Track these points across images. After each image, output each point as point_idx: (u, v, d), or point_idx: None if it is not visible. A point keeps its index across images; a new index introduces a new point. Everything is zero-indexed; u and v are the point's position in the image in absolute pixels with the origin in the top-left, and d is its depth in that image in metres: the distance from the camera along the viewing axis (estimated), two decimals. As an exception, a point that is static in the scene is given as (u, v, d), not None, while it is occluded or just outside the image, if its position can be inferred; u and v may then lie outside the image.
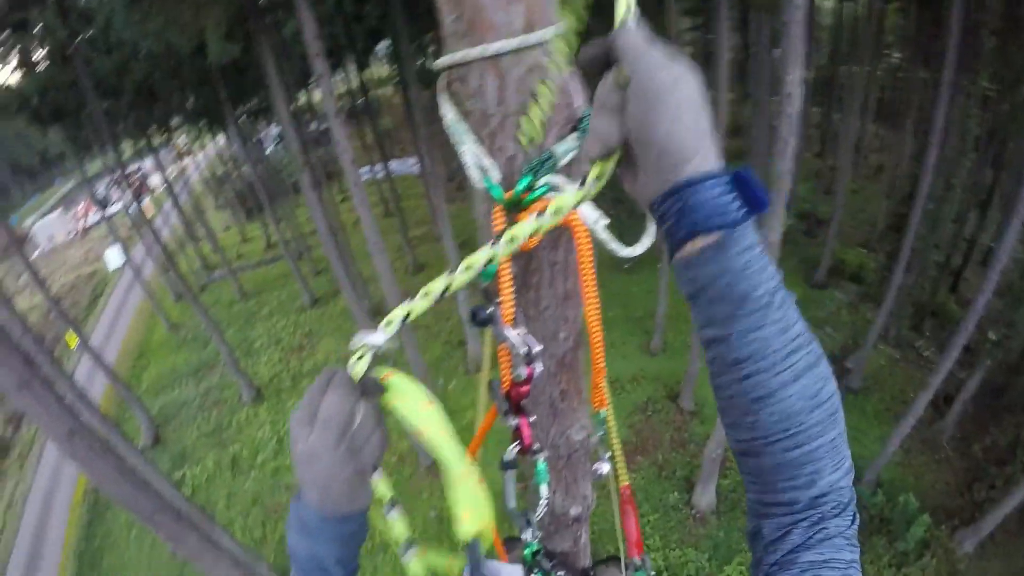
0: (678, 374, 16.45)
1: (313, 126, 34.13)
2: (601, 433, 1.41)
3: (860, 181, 25.07)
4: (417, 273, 24.93)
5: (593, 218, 1.00)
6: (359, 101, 32.06)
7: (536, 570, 1.27)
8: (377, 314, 21.17)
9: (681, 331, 17.65)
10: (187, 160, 46.55)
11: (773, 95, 17.55)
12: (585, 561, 1.71)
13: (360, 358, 0.83)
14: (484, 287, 1.04)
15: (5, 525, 20.55)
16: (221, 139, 33.94)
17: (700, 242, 0.67)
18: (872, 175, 26.91)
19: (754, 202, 0.66)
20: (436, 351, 20.07)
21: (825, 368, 0.72)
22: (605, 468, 1.40)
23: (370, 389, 0.85)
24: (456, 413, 16.89)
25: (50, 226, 51.08)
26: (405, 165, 36.28)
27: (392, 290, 11.64)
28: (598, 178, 0.78)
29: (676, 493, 14.30)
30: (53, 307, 17.19)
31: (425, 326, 21.19)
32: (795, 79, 7.83)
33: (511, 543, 1.75)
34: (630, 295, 20.13)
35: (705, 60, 28.97)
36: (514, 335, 0.95)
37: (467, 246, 23.30)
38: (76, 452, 5.86)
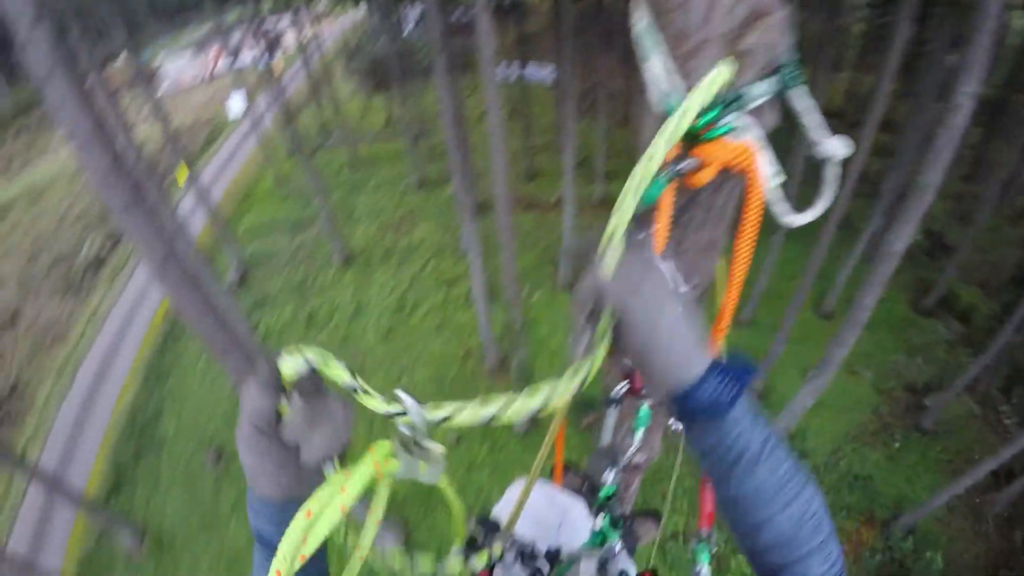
0: (758, 352, 15.61)
1: (456, 14, 33.35)
2: None
3: (1000, 220, 22.88)
4: (530, 180, 24.31)
5: (769, 173, 0.92)
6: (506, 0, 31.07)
7: (606, 512, 1.31)
8: (482, 209, 20.95)
9: (774, 310, 16.60)
10: (324, 25, 46.61)
11: (938, 101, 16.31)
12: (627, 508, 1.77)
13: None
14: (639, 213, 0.91)
15: (86, 331, 21.86)
16: (362, 9, 33.67)
17: (702, 422, 0.81)
18: (1015, 218, 24.58)
19: (743, 375, 0.78)
20: (529, 260, 19.74)
21: (811, 491, 0.83)
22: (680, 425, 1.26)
23: (307, 388, 0.85)
24: (535, 324, 16.90)
25: (179, 67, 52.48)
26: (540, 72, 35.26)
27: (502, 190, 11.29)
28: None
29: None
30: (169, 142, 17.43)
31: (526, 233, 20.83)
32: (968, 91, 7.02)
33: (568, 470, 1.97)
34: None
35: (875, 42, 27.31)
36: (665, 267, 0.87)
37: (586, 164, 22.70)
38: (166, 277, 5.97)
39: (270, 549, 0.85)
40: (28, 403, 20.30)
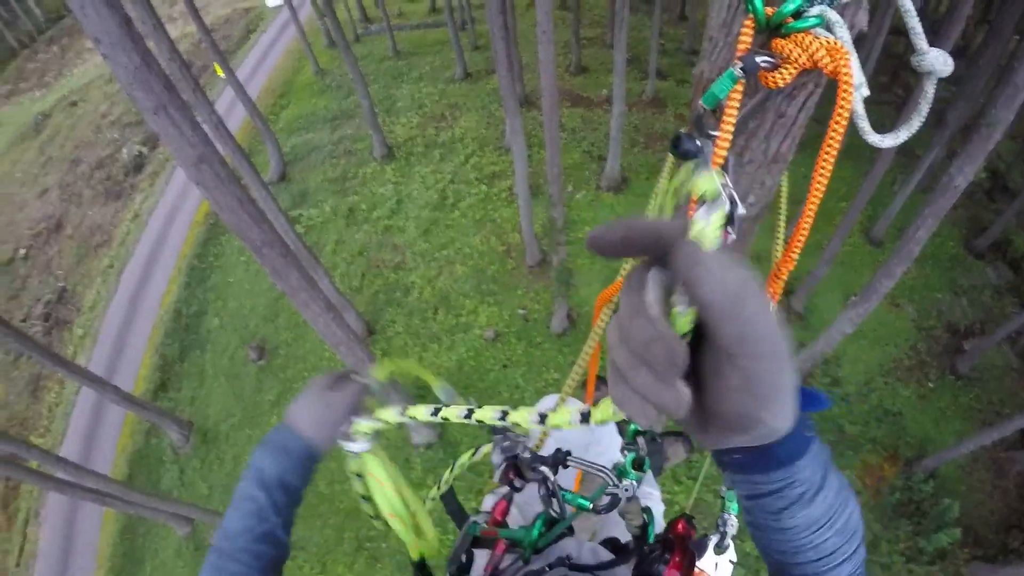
0: (801, 271, 15.14)
1: None
2: None
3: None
4: (578, 74, 23.13)
5: (858, 80, 0.80)
6: None
7: (633, 451, 1.29)
8: (527, 102, 20.07)
9: (822, 230, 15.84)
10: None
11: (1017, 33, 15.57)
12: (657, 427, 1.56)
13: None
14: (699, 113, 0.85)
15: (129, 233, 22.09)
16: None
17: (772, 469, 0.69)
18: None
19: (815, 406, 0.72)
20: (575, 157, 18.98)
21: (853, 501, 0.77)
22: None
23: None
24: (577, 224, 16.57)
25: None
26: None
27: (549, 84, 10.64)
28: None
29: None
30: (204, 37, 16.84)
31: (571, 129, 20.00)
32: None
33: (602, 385, 2.09)
34: (793, 175, 18.28)
35: None
36: (721, 184, 0.72)
37: (637, 61, 21.59)
38: (201, 178, 5.88)
39: (263, 491, 1.09)
40: (76, 307, 20.77)
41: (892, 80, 22.40)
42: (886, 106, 20.33)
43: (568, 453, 1.34)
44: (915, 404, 13.74)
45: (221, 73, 17.94)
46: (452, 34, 22.56)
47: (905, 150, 16.68)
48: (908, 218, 9.23)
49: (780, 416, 0.52)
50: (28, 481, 11.55)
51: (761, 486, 0.70)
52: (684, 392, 0.49)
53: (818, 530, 0.73)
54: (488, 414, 0.83)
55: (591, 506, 1.27)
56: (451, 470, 1.43)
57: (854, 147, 16.88)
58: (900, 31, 25.46)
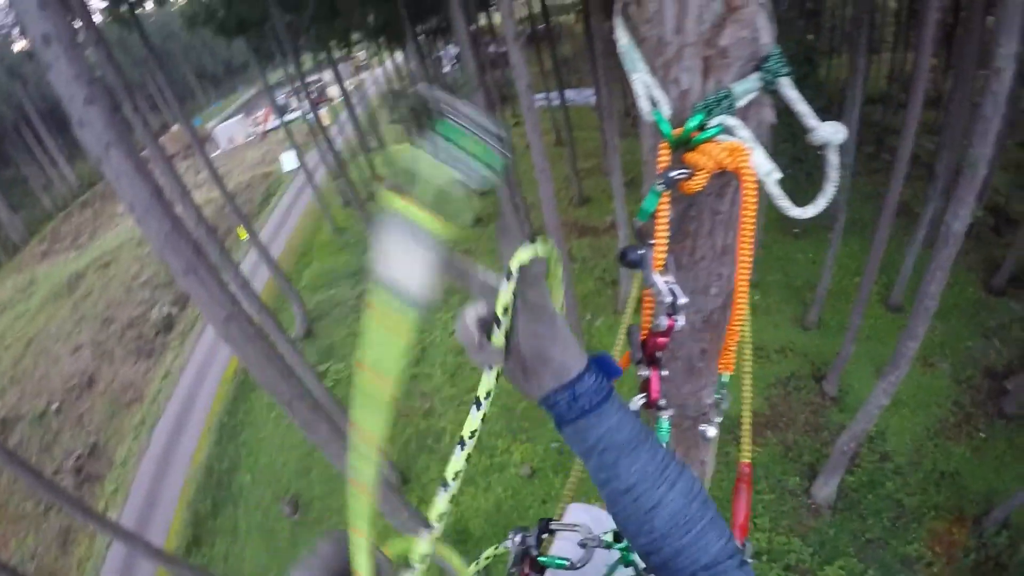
0: (828, 355, 15.26)
1: (491, 48, 33.81)
2: (719, 397, 1.37)
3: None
4: (581, 205, 24.19)
5: (766, 169, 0.89)
6: (540, 26, 31.41)
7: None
8: (535, 239, 20.88)
9: (840, 310, 16.23)
10: (365, 74, 47.80)
11: (980, 69, 15.13)
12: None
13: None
14: (638, 227, 0.97)
15: (160, 390, 22.61)
16: (399, 56, 34.40)
17: (588, 416, 0.80)
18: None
19: (612, 373, 0.82)
20: (588, 285, 19.51)
21: (688, 469, 0.84)
22: (711, 432, 1.36)
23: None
24: (598, 350, 16.43)
25: (230, 129, 54.58)
26: (581, 95, 35.31)
27: (552, 219, 11.37)
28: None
29: (797, 478, 13.37)
30: (228, 202, 18.06)
31: (582, 259, 20.68)
32: (1007, 53, 6.83)
33: None
34: (793, 261, 18.72)
35: (908, 17, 26.58)
36: (660, 282, 0.93)
37: (635, 184, 22.50)
38: (230, 335, 6.21)
39: None
40: (108, 462, 21.04)
41: (878, 149, 22.86)
42: (877, 174, 20.56)
43: (550, 520, 1.35)
44: (970, 459, 13.21)
45: (244, 236, 18.86)
46: (458, 183, 23.65)
47: (905, 211, 16.62)
48: (922, 278, 9.33)
49: (564, 352, 0.77)
50: None
51: (589, 434, 0.80)
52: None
53: (658, 487, 0.80)
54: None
55: (568, 564, 1.28)
56: (476, 563, 1.34)
57: (857, 221, 17.27)
58: (875, 99, 26.38)
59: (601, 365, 0.82)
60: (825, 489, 12.76)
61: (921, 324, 9.20)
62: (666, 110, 0.91)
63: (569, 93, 28.62)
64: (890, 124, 23.78)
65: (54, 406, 24.48)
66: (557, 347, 0.78)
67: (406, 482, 15.36)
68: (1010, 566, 11.49)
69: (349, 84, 32.06)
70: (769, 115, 0.96)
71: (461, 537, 13.77)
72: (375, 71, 44.97)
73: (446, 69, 33.73)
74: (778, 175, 0.91)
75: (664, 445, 0.87)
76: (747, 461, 1.44)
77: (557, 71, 26.43)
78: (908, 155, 12.09)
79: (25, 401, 25.54)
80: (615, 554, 1.34)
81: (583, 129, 29.54)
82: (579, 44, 39.42)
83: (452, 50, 36.71)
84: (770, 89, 0.89)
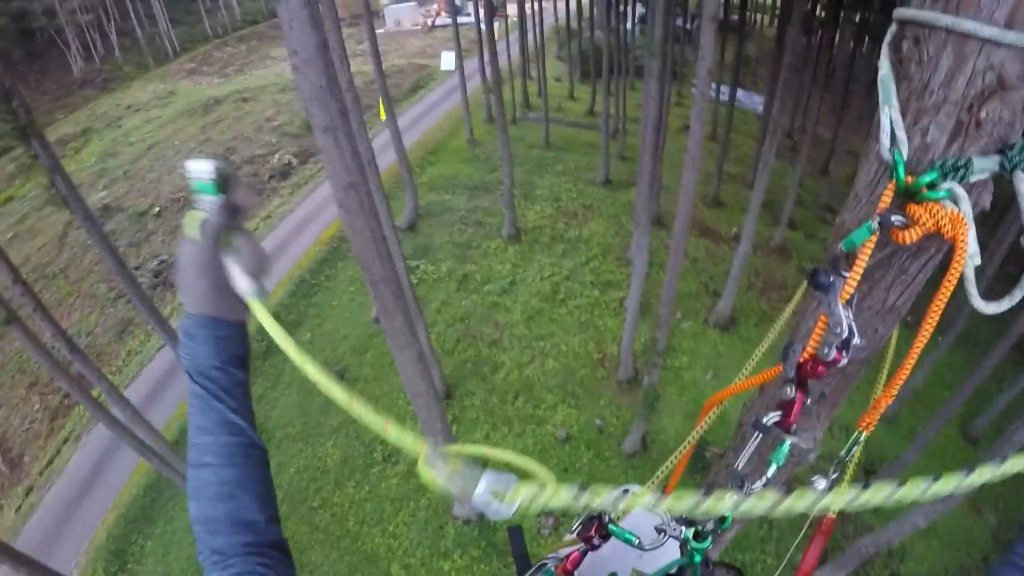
0: (887, 453, 14.90)
1: (679, 21, 32.77)
2: (843, 453, 1.39)
3: None
4: (712, 207, 23.53)
5: (972, 250, 0.90)
6: (733, 17, 30.20)
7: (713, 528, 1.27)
8: (658, 222, 20.42)
9: (919, 415, 15.71)
10: (547, 2, 47.22)
11: None
12: (712, 554, 1.65)
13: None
14: (836, 254, 1.02)
15: (257, 229, 23.40)
16: (587, -3, 33.85)
17: None
18: None
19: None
20: (691, 286, 19.10)
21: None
22: (821, 486, 1.22)
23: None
24: (676, 352, 16.69)
25: (401, 12, 55.28)
26: (750, 99, 34.42)
27: (685, 208, 10.90)
28: None
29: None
30: (379, 79, 18.07)
31: (694, 259, 20.19)
32: None
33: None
34: (895, 349, 17.65)
35: None
36: (841, 313, 0.94)
37: (772, 205, 21.76)
38: (347, 202, 6.32)
39: (204, 379, 1.04)
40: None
41: (1021, 271, 21.66)
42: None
43: (627, 490, 1.37)
44: None
45: (384, 116, 18.97)
46: (603, 139, 23.37)
47: (1021, 347, 15.83)
48: (1009, 420, 8.84)
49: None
50: (84, 405, 11.70)
51: None
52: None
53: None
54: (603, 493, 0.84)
55: (636, 541, 1.28)
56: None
57: (970, 336, 16.38)
58: None
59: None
60: None
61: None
62: (905, 153, 0.92)
63: (739, 93, 27.54)
64: None
65: (156, 209, 25.65)
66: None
67: (449, 397, 15.45)
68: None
69: (529, 6, 31.54)
70: (987, 200, 0.97)
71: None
72: (558, 3, 44.43)
73: (629, 24, 32.79)
74: (979, 261, 0.90)
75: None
76: (832, 516, 1.53)
77: (736, 67, 25.48)
78: None
79: (131, 197, 26.84)
80: (677, 553, 1.32)
81: (740, 134, 28.65)
82: (765, 47, 37.99)
83: (640, 9, 35.74)
84: (1004, 177, 0.90)
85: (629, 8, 31.83)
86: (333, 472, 14.35)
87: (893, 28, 0.95)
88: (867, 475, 14.53)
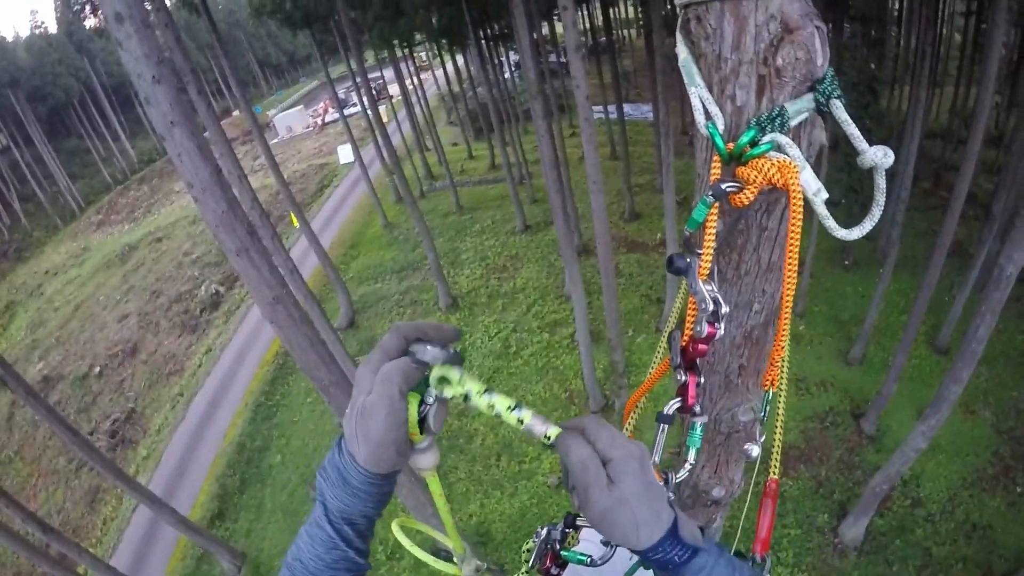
0: (869, 392, 15.01)
1: (552, 57, 33.93)
2: (763, 415, 1.39)
3: None
4: (632, 221, 24.04)
5: (814, 188, 0.90)
6: (601, 39, 31.46)
7: None
8: (585, 251, 20.91)
9: (885, 347, 16.06)
10: (425, 74, 48.32)
11: None
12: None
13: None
14: (687, 237, 1.02)
15: (200, 365, 23.11)
16: (460, 59, 34.82)
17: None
18: None
19: (692, 549, 0.84)
20: (633, 302, 19.45)
21: None
22: (755, 451, 1.37)
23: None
24: (638, 368, 16.50)
25: (290, 119, 55.83)
26: (639, 111, 35.61)
27: (603, 231, 11.34)
28: None
29: (826, 516, 13.16)
30: (283, 189, 18.31)
31: (628, 275, 20.59)
32: None
33: None
34: (841, 294, 18.46)
35: (973, 51, 25.94)
36: (703, 289, 0.96)
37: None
38: (276, 317, 6.38)
39: (328, 524, 0.93)
40: (143, 429, 21.61)
41: (935, 185, 22.49)
42: (932, 211, 20.18)
43: (576, 516, 1.33)
44: (1005, 514, 12.82)
45: (296, 224, 19.15)
46: (511, 189, 23.83)
47: (959, 251, 16.28)
48: (970, 320, 9.08)
49: (615, 535, 0.83)
50: None
51: None
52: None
53: None
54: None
55: (588, 559, 1.28)
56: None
57: (908, 258, 16.97)
58: (935, 133, 25.80)
59: (681, 540, 0.85)
60: (853, 529, 12.53)
61: (966, 368, 9.05)
62: (721, 125, 0.93)
63: (627, 108, 28.58)
64: (949, 160, 23.45)
65: (96, 370, 25.25)
66: (624, 513, 0.82)
67: (434, 477, 15.26)
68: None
69: (409, 83, 32.34)
70: (820, 136, 0.99)
71: (483, 540, 13.83)
72: (436, 72, 45.51)
73: (507, 75, 33.88)
74: (825, 195, 0.92)
75: None
76: (775, 478, 1.49)
77: (616, 85, 26.35)
78: (965, 193, 11.88)
79: (69, 362, 26.38)
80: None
81: (639, 144, 29.58)
82: (640, 59, 39.42)
83: (514, 56, 36.94)
84: (823, 111, 0.91)
85: (504, 59, 32.98)
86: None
87: (682, 13, 0.97)
88: (855, 419, 14.88)
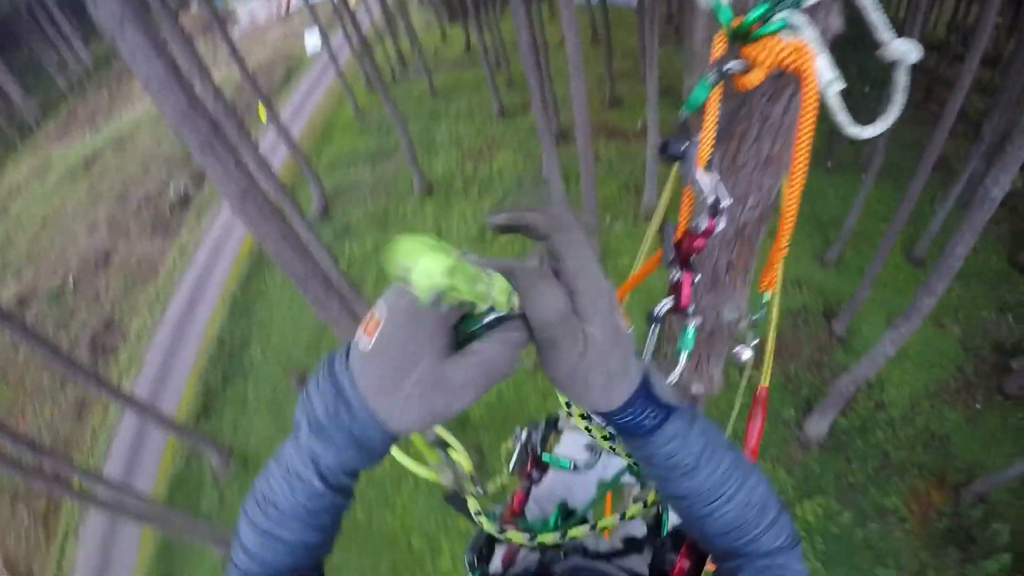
0: (842, 295, 15.19)
1: (531, -63, 32.26)
2: (757, 317, 1.33)
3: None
4: (612, 107, 23.45)
5: (828, 77, 0.81)
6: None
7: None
8: (563, 137, 20.38)
9: (862, 252, 16.13)
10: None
11: None
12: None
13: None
14: (684, 119, 0.90)
15: (175, 266, 22.79)
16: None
17: (631, 438, 0.80)
18: None
19: (666, 408, 0.76)
20: (611, 189, 19.16)
21: (754, 479, 0.83)
22: (746, 355, 1.30)
23: None
24: (615, 255, 16.39)
25: (253, 7, 52.94)
26: (621, -5, 34.02)
27: (582, 118, 10.99)
28: None
29: (792, 411, 13.56)
30: (248, 81, 17.54)
31: (608, 162, 20.30)
32: None
33: None
34: (822, 196, 18.41)
35: None
36: (705, 179, 0.88)
37: (670, 92, 21.92)
38: (246, 212, 6.25)
39: (319, 480, 0.74)
40: (122, 336, 21.33)
41: (927, 96, 22.20)
42: (922, 124, 19.54)
43: (557, 418, 1.33)
44: (963, 427, 13.32)
45: (264, 116, 18.47)
46: (487, 73, 22.98)
47: (944, 165, 16.30)
48: (948, 236, 8.99)
49: (585, 397, 0.71)
50: (70, 499, 11.55)
51: (639, 451, 0.81)
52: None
53: (712, 502, 0.80)
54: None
55: (571, 465, 1.26)
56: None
57: (893, 167, 16.79)
58: (931, 46, 25.37)
59: (655, 399, 0.76)
60: (818, 426, 12.93)
61: (941, 282, 9.08)
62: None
63: (609, -10, 27.34)
64: (943, 75, 22.81)
65: (70, 282, 24.72)
66: (596, 369, 0.68)
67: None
68: (979, 540, 11.62)
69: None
70: (836, 22, 0.91)
71: (460, 423, 13.98)
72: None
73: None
74: (840, 85, 0.82)
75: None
76: (765, 385, 1.42)
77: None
78: (957, 109, 11.75)
79: (41, 279, 25.76)
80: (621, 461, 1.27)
81: (621, 30, 28.51)
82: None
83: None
84: None
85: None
86: (329, 468, 14.29)
87: None
88: (827, 319, 15.09)
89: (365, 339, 0.65)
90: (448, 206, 20.34)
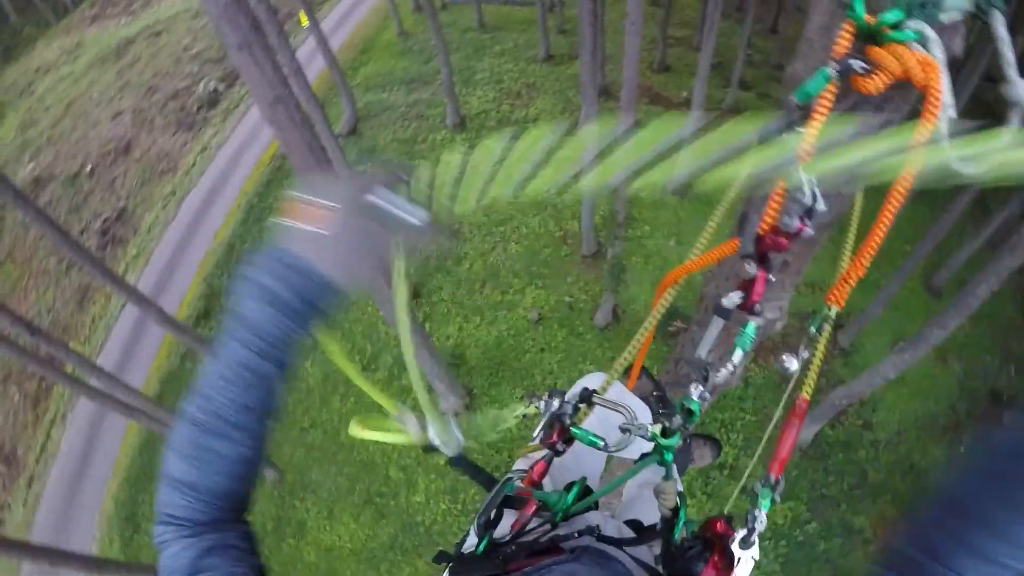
0: (854, 307, 14.74)
1: None
2: (814, 330, 1.35)
3: None
4: (660, 73, 22.80)
5: (947, 100, 0.78)
6: None
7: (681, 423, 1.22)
8: (606, 93, 19.87)
9: (882, 269, 15.24)
10: None
11: None
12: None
13: None
14: (788, 106, 0.89)
15: (195, 164, 22.68)
16: None
17: None
18: None
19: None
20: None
21: None
22: (793, 365, 1.26)
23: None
24: (636, 222, 16.74)
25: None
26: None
27: (631, 76, 10.49)
28: None
29: (782, 411, 13.22)
30: (293, -17, 17.02)
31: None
32: None
33: (644, 374, 2.07)
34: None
35: None
36: (808, 179, 0.81)
37: (722, 67, 21.40)
38: (276, 118, 6.06)
39: (287, 349, 0.84)
40: (133, 228, 21.38)
41: (980, 129, 21.66)
42: None
43: (594, 392, 1.29)
44: (942, 465, 13.27)
45: (305, 22, 18.06)
46: (540, 14, 22.27)
47: (980, 202, 16.01)
48: (970, 272, 9.10)
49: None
50: (61, 384, 11.61)
51: None
52: None
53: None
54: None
55: (602, 443, 1.23)
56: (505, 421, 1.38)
57: (929, 191, 16.40)
58: (993, 78, 24.67)
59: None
60: (804, 432, 12.83)
61: (955, 318, 9.04)
62: None
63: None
64: (998, 108, 22.20)
65: (87, 168, 24.66)
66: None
67: (417, 296, 15.40)
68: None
69: None
70: (958, 45, 0.86)
71: (457, 362, 13.97)
72: None
73: None
74: (953, 113, 0.78)
75: None
76: (806, 397, 1.42)
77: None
78: None
79: (60, 162, 25.73)
80: (647, 445, 1.25)
81: (688, -6, 27.71)
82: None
83: None
84: (981, 17, 0.77)
85: None
86: (317, 391, 14.41)
87: None
88: (835, 329, 14.64)
89: (311, 225, 0.82)
90: (478, 143, 19.66)
